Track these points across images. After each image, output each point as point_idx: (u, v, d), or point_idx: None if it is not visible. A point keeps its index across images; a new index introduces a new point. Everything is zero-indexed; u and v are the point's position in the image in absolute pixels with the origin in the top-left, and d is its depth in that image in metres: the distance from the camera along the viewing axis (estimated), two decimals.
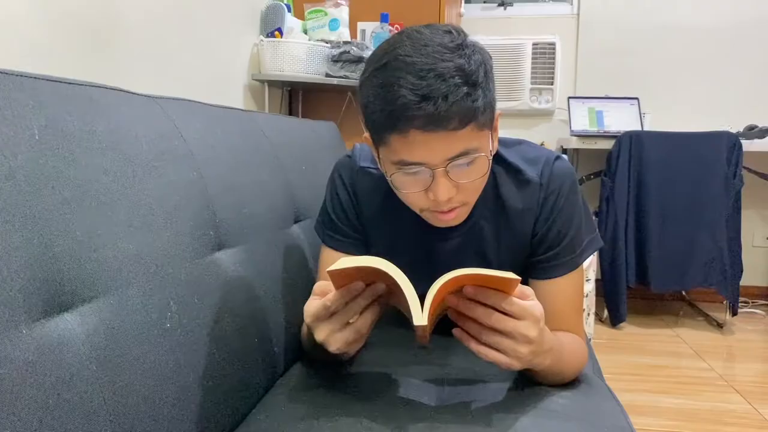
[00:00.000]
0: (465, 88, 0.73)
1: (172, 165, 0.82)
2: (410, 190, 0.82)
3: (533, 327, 0.71)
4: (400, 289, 0.69)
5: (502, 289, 0.73)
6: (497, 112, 0.82)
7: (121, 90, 0.79)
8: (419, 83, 0.72)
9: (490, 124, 0.80)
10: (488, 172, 0.83)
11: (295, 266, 1.14)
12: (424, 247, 0.98)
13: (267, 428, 0.78)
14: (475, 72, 0.75)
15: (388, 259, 1.06)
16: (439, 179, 0.78)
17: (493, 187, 0.93)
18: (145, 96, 0.85)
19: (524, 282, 0.96)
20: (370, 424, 0.75)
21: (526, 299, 0.72)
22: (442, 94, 0.71)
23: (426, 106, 0.71)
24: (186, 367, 0.73)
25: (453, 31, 0.78)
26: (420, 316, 0.68)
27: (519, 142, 0.98)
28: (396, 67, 0.74)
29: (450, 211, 0.83)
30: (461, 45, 0.76)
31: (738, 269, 2.82)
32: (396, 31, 0.83)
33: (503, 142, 0.96)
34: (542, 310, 0.73)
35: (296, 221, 1.24)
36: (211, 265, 0.85)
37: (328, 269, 0.68)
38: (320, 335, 0.74)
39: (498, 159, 0.93)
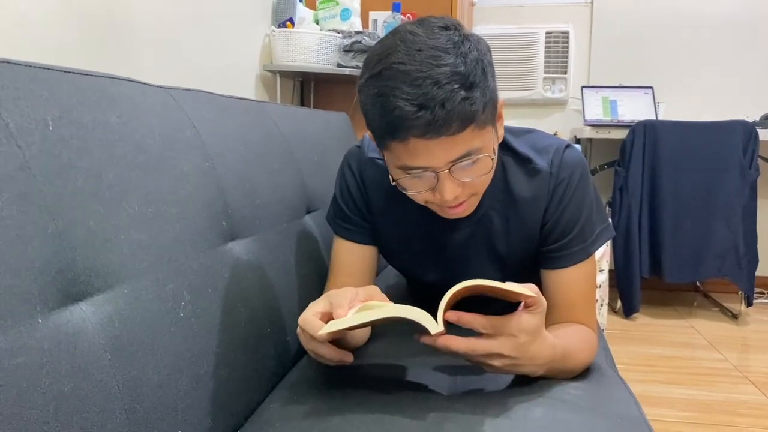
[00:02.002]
0: (462, 92, 0.71)
1: (185, 155, 0.82)
2: (417, 191, 0.82)
3: (505, 344, 0.73)
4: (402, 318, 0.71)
5: (517, 297, 0.74)
6: (500, 100, 0.81)
7: (133, 81, 0.79)
8: (415, 92, 0.70)
9: (492, 120, 0.79)
10: (494, 168, 0.82)
11: (307, 256, 1.15)
12: (432, 238, 0.98)
13: (279, 417, 0.79)
14: (472, 72, 0.73)
15: (398, 250, 1.07)
16: (444, 181, 0.78)
17: (502, 177, 0.93)
18: (158, 87, 0.85)
19: (536, 272, 0.96)
20: (382, 413, 0.75)
21: (527, 308, 0.74)
22: (439, 101, 0.70)
23: (423, 114, 0.70)
24: (200, 356, 0.73)
25: (449, 25, 0.76)
26: (436, 326, 0.69)
27: (529, 131, 0.97)
28: (390, 76, 0.72)
29: (459, 205, 0.83)
30: (457, 43, 0.74)
31: (753, 259, 2.79)
32: (407, 21, 0.82)
33: (513, 132, 0.95)
34: (531, 324, 0.74)
35: (308, 212, 1.25)
36: (224, 255, 0.85)
37: (321, 332, 0.71)
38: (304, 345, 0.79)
39: (507, 148, 0.92)
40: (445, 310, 0.71)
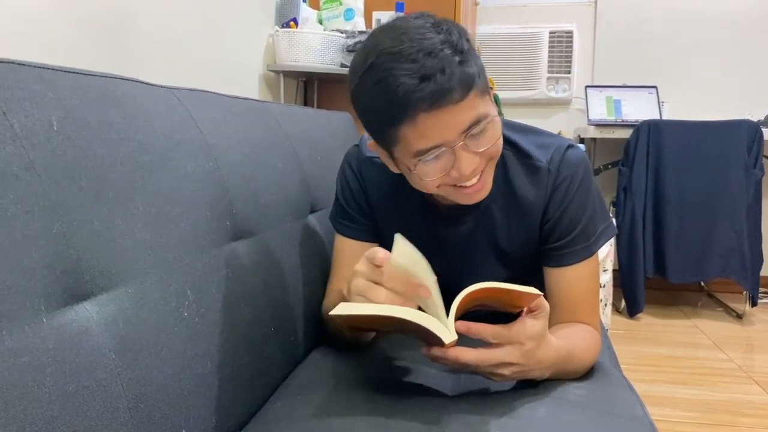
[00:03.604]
0: (456, 57, 0.73)
1: (189, 155, 0.82)
2: (435, 177, 0.80)
3: (513, 352, 0.74)
4: (414, 323, 0.69)
5: (520, 302, 0.74)
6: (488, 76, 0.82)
7: (137, 81, 0.79)
8: (413, 66, 0.72)
9: (488, 90, 0.81)
10: (501, 134, 0.83)
11: (311, 256, 1.15)
12: (434, 234, 0.98)
13: (283, 416, 0.79)
14: (459, 41, 0.75)
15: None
16: (461, 154, 0.77)
17: (502, 170, 0.93)
18: (161, 87, 0.85)
19: (539, 270, 0.96)
20: (387, 413, 0.75)
21: (530, 313, 0.74)
22: (438, 69, 0.72)
23: (427, 85, 0.71)
24: (203, 355, 0.73)
25: (423, 15, 0.78)
26: (449, 334, 0.69)
27: (533, 130, 0.97)
28: (383, 62, 0.74)
29: (477, 182, 0.82)
30: (436, 23, 0.76)
31: (758, 259, 2.79)
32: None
33: (516, 127, 0.95)
34: (536, 330, 0.74)
35: (312, 211, 1.25)
36: (228, 255, 0.85)
37: (331, 312, 0.70)
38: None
39: (509, 143, 0.92)
40: (455, 318, 0.71)
